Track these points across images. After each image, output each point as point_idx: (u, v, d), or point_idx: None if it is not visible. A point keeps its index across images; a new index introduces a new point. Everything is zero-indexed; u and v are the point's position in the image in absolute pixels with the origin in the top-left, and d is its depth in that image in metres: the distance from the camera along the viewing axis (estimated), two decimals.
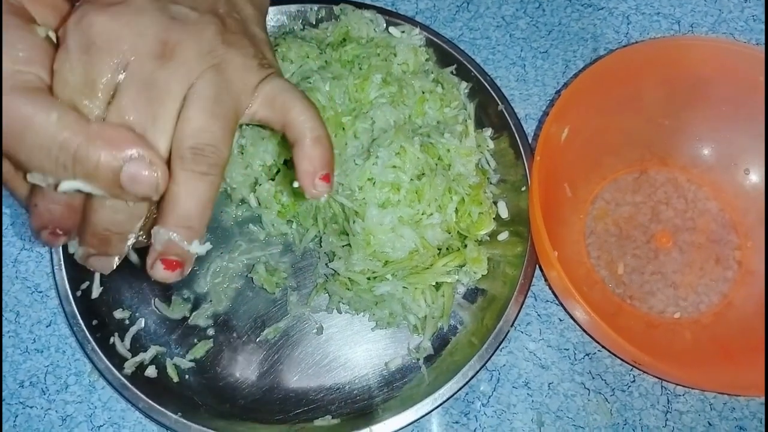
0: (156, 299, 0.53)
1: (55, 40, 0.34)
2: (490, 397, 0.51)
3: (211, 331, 0.52)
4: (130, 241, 0.35)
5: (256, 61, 0.36)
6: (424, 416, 0.47)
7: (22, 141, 0.30)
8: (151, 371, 0.50)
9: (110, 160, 0.30)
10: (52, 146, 0.30)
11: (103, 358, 0.48)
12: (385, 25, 0.59)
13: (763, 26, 0.64)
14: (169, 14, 0.33)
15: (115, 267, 0.37)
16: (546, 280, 0.54)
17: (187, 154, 0.32)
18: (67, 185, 0.31)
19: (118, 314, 0.52)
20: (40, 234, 0.34)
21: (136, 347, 0.51)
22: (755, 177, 0.55)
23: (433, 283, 0.52)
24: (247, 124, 0.52)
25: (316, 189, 0.37)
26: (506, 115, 0.55)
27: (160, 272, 0.33)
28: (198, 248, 0.34)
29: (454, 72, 0.58)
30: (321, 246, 0.54)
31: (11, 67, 0.30)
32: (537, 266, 0.51)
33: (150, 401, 0.47)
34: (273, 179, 0.54)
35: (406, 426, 0.47)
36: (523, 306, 0.50)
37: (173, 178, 0.32)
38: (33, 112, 0.30)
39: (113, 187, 0.31)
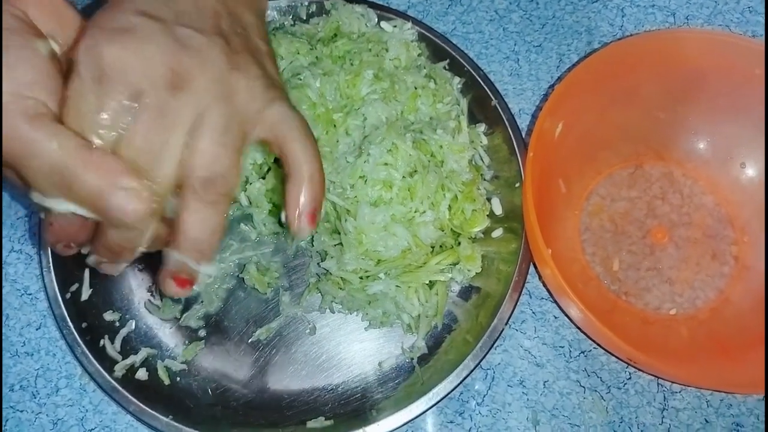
0: (146, 301, 0.53)
1: (58, 51, 0.35)
2: (485, 396, 0.51)
3: (202, 333, 0.52)
4: (140, 250, 0.37)
5: (260, 83, 0.37)
6: (418, 416, 0.46)
7: (27, 165, 0.31)
8: (141, 374, 0.49)
9: (100, 188, 0.32)
10: (51, 172, 0.31)
11: (93, 361, 0.47)
12: (376, 19, 0.58)
13: (759, 18, 0.63)
14: (175, 38, 0.34)
15: (123, 270, 0.39)
16: (540, 277, 0.54)
17: (197, 184, 0.34)
18: (62, 207, 0.33)
19: (108, 316, 0.51)
20: (55, 246, 0.36)
21: (127, 349, 0.50)
22: (752, 171, 0.55)
23: (427, 282, 0.51)
24: None
25: (300, 226, 0.38)
26: (500, 110, 0.55)
27: (171, 288, 0.36)
28: (208, 269, 0.36)
29: (447, 67, 0.57)
30: (313, 245, 0.53)
31: (14, 90, 0.31)
32: (531, 263, 0.51)
33: (141, 404, 0.46)
34: (263, 178, 0.53)
35: (400, 426, 0.46)
36: (518, 303, 0.49)
37: (185, 206, 0.34)
38: (35, 139, 0.31)
39: (102, 212, 0.33)
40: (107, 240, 0.35)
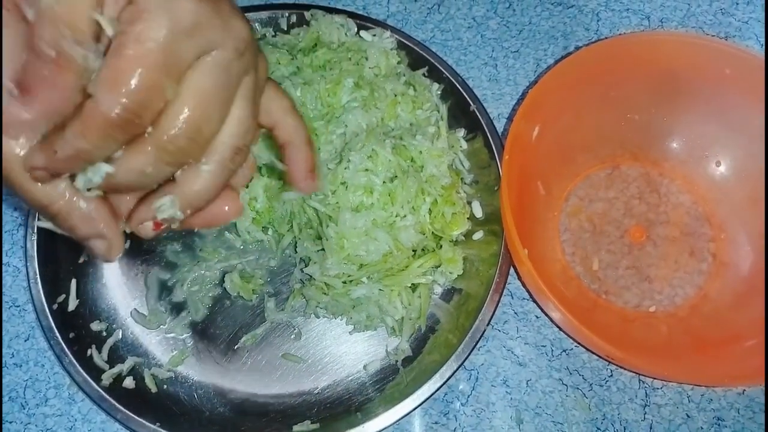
0: (133, 310, 0.53)
1: None
2: (469, 396, 0.51)
3: (188, 341, 0.52)
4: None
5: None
6: (403, 417, 0.47)
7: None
8: (129, 382, 0.50)
9: None
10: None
11: (81, 370, 0.48)
12: (356, 29, 0.59)
13: (731, 20, 0.64)
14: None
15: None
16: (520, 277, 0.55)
17: (228, 151, 0.33)
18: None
19: (95, 326, 0.52)
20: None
21: (114, 359, 0.51)
22: (727, 169, 0.56)
23: (409, 285, 0.52)
24: None
25: (309, 183, 0.39)
26: (478, 115, 0.56)
27: (148, 232, 0.34)
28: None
29: (426, 74, 0.58)
30: (296, 251, 0.54)
31: None
32: (512, 264, 0.52)
33: (128, 412, 0.47)
34: (247, 187, 0.54)
35: (386, 428, 0.47)
36: (500, 304, 0.50)
37: (206, 167, 0.33)
38: None
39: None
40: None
